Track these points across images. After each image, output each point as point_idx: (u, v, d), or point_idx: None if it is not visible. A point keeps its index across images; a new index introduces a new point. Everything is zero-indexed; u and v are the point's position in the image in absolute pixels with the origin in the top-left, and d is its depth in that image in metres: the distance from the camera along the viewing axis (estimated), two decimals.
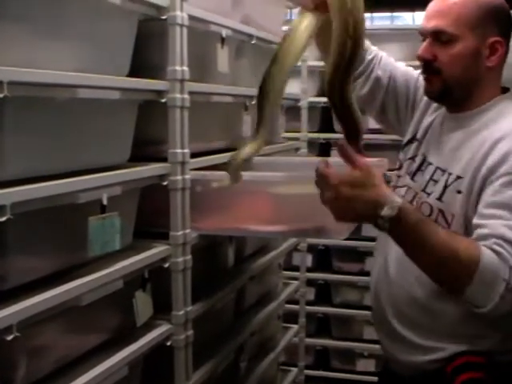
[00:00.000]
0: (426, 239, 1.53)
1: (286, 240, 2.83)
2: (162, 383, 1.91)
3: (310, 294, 3.97)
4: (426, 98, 1.90)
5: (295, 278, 3.36)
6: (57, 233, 1.53)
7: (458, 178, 1.71)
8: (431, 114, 1.91)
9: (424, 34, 1.76)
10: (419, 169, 1.85)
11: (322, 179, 1.51)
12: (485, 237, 1.56)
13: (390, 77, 1.99)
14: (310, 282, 3.85)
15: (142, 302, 1.76)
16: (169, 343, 1.86)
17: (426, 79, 1.80)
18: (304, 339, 3.51)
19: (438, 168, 1.78)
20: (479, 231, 1.59)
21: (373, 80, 1.98)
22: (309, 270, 3.79)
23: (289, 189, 1.89)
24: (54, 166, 1.50)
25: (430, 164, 1.82)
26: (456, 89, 1.76)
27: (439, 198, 1.74)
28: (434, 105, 1.90)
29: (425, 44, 1.75)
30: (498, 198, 1.60)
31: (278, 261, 2.86)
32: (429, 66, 1.76)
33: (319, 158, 1.62)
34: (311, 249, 3.83)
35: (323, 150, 3.95)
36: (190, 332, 1.91)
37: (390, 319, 1.85)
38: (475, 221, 1.63)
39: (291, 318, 3.38)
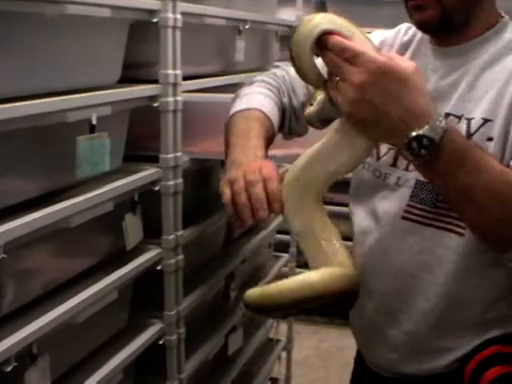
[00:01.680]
0: (478, 173, 1.14)
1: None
2: (152, 308, 1.90)
3: None
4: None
5: None
6: (45, 153, 1.50)
7: (486, 121, 1.32)
8: None
9: None
10: None
11: (355, 52, 1.09)
12: None
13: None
14: None
15: (132, 225, 1.74)
16: (159, 267, 1.85)
17: (415, 7, 1.35)
18: (294, 269, 3.51)
19: (449, 114, 1.37)
20: None
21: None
22: None
23: None
24: (41, 85, 1.45)
25: None
26: (456, 13, 1.35)
27: None
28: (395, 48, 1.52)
29: None
30: None
31: None
32: None
33: None
34: None
35: None
36: (181, 257, 1.91)
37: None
38: None
39: (282, 247, 3.38)
